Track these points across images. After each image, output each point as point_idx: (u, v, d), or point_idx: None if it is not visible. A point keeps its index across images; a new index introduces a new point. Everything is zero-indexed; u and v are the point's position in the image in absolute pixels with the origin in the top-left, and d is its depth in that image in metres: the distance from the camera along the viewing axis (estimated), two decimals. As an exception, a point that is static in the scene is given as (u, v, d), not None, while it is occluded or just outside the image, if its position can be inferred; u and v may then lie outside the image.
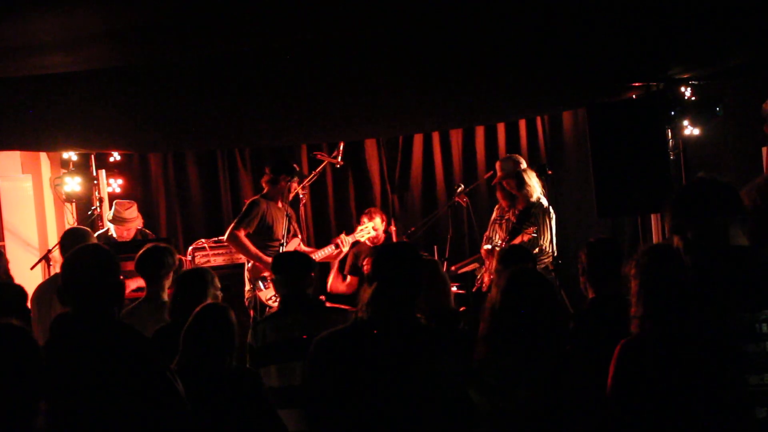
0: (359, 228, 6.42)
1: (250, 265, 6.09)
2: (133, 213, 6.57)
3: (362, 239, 6.38)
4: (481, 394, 2.52)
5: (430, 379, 2.54)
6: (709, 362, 2.00)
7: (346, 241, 6.27)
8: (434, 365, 2.56)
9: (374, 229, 6.42)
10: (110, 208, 6.81)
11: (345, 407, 2.56)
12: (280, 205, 6.12)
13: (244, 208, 6.15)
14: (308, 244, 7.04)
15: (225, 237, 6.19)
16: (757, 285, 2.04)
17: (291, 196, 6.20)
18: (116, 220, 6.51)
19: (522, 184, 5.83)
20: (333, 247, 6.30)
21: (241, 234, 6.01)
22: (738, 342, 2.00)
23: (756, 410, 1.98)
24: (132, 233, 6.56)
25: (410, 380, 2.53)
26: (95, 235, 6.65)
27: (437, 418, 2.54)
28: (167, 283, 4.14)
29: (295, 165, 6.21)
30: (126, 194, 7.47)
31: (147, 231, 6.81)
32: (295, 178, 6.13)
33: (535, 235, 5.62)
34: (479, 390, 2.53)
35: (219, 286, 3.90)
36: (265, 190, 6.17)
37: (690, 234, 2.17)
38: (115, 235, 6.54)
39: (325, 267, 7.24)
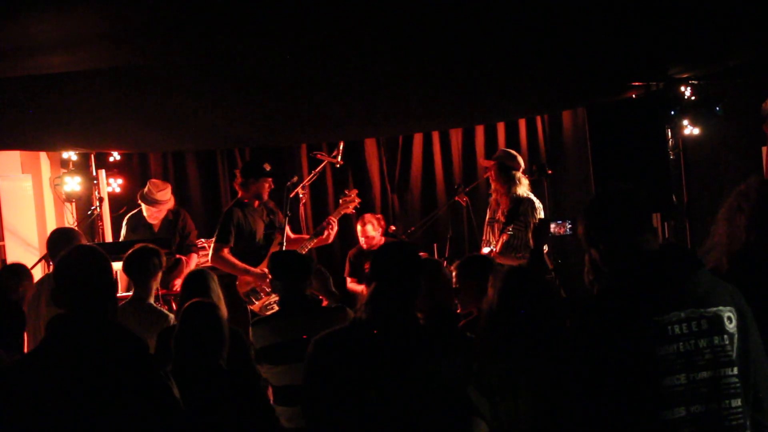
0: (342, 201, 6.22)
1: (239, 279, 5.85)
2: (165, 195, 6.55)
3: (350, 210, 6.24)
4: (480, 394, 2.52)
5: (428, 380, 2.54)
6: (622, 367, 2.04)
7: (333, 222, 6.02)
8: (433, 365, 2.56)
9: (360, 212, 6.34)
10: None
11: (344, 407, 2.56)
12: (256, 205, 5.90)
13: (219, 223, 5.90)
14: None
15: (209, 260, 5.92)
16: (666, 288, 2.07)
17: (263, 195, 5.94)
18: (148, 200, 6.49)
19: (500, 176, 5.66)
20: (322, 230, 6.03)
21: (225, 253, 5.75)
22: (650, 345, 2.03)
23: (673, 410, 2.01)
24: (162, 214, 6.57)
25: (409, 380, 2.53)
26: (129, 215, 6.71)
27: (436, 418, 2.54)
28: (154, 284, 4.15)
29: (266, 165, 5.92)
30: (126, 194, 7.47)
31: (180, 210, 6.80)
32: (268, 179, 5.87)
33: (511, 233, 5.60)
34: (479, 390, 2.53)
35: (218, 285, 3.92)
36: (239, 194, 5.96)
37: (602, 245, 2.22)
38: (146, 215, 6.54)
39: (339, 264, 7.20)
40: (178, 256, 6.57)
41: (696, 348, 2.04)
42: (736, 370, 2.05)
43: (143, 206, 6.56)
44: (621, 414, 2.04)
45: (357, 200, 6.21)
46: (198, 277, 3.89)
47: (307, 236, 6.17)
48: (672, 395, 2.02)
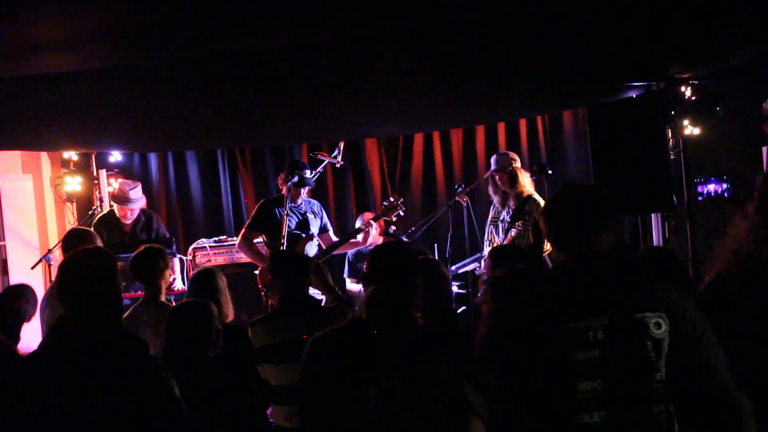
0: (383, 206, 6.24)
1: (259, 270, 6.02)
2: (137, 193, 6.52)
3: (391, 217, 6.24)
4: (477, 393, 2.53)
5: (426, 379, 2.54)
6: (539, 370, 2.05)
7: (371, 226, 6.09)
8: (431, 365, 2.56)
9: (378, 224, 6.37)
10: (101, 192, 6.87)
11: (341, 406, 2.56)
12: (294, 204, 5.93)
13: (253, 210, 6.14)
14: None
15: (237, 244, 6.19)
16: (590, 293, 2.06)
17: (306, 193, 6.05)
18: (121, 200, 6.43)
19: (514, 181, 5.80)
20: (360, 232, 6.10)
21: (249, 238, 6.01)
22: (569, 350, 2.03)
23: (592, 414, 2.01)
24: (135, 213, 6.52)
25: (407, 380, 2.53)
26: (98, 217, 6.64)
27: (434, 417, 2.54)
28: (163, 284, 4.17)
29: (306, 170, 5.98)
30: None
31: (151, 212, 6.78)
32: (305, 186, 5.94)
33: (520, 228, 5.63)
34: (476, 390, 2.53)
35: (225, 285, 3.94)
36: (282, 191, 6.04)
37: (551, 242, 2.22)
38: (119, 215, 6.48)
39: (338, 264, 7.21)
40: (180, 256, 6.56)
41: (617, 354, 2.02)
42: (659, 376, 2.02)
43: (116, 207, 6.49)
44: (540, 417, 2.05)
45: (401, 207, 6.19)
46: (205, 275, 3.90)
47: (343, 238, 6.18)
48: (591, 399, 2.01)
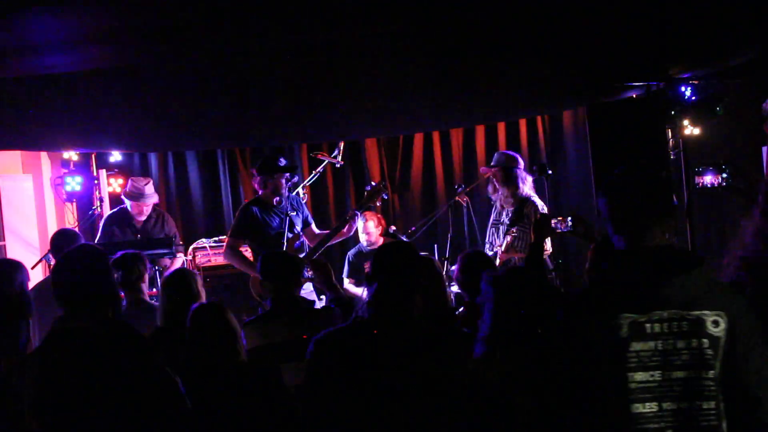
0: (366, 193, 5.93)
1: (251, 278, 5.78)
2: (151, 188, 6.52)
3: (375, 202, 6.06)
4: (479, 392, 2.53)
5: (428, 379, 2.54)
6: (595, 360, 2.07)
7: (356, 216, 5.83)
8: (433, 365, 2.57)
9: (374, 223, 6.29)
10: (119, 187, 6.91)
11: (344, 406, 2.56)
12: (274, 202, 5.73)
13: (234, 219, 5.92)
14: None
15: (223, 255, 6.00)
16: (651, 287, 2.08)
17: (285, 191, 5.77)
18: (135, 196, 6.40)
19: (507, 179, 5.67)
20: (343, 224, 5.82)
21: (235, 247, 5.79)
22: (626, 342, 2.05)
23: (645, 405, 2.04)
24: (149, 210, 6.52)
25: (410, 379, 2.53)
26: (108, 215, 6.63)
27: (436, 417, 2.54)
28: (144, 286, 4.22)
29: (281, 160, 5.78)
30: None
31: (162, 210, 6.78)
32: (284, 174, 5.70)
33: (515, 234, 5.60)
34: (478, 387, 2.54)
35: (201, 283, 3.92)
36: (259, 193, 5.87)
37: (611, 227, 2.22)
38: (134, 212, 6.45)
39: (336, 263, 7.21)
40: (179, 255, 6.55)
41: (674, 348, 2.05)
42: (712, 374, 2.04)
43: (129, 204, 6.44)
44: (594, 405, 2.07)
45: (384, 191, 5.91)
46: (179, 276, 3.85)
47: (328, 232, 6.02)
48: (645, 390, 2.04)
